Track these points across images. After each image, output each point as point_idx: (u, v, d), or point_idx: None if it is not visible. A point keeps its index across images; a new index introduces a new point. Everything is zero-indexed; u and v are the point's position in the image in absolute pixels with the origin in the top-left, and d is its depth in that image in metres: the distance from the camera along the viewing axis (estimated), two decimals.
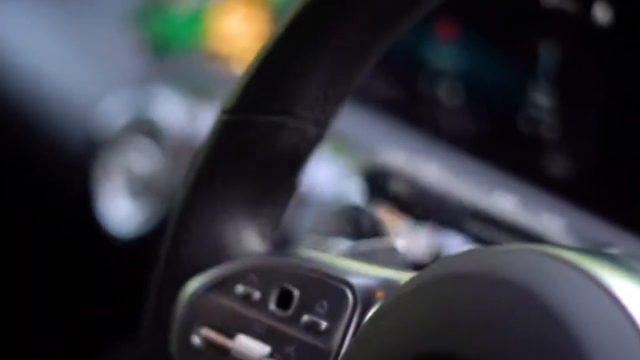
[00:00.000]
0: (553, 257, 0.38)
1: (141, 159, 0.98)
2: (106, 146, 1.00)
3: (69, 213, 1.17)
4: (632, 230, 0.59)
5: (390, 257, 0.51)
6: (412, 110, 0.75)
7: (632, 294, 0.36)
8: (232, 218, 0.50)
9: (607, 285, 0.37)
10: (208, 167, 0.50)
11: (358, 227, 0.72)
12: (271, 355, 0.46)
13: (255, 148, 0.49)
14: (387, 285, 0.45)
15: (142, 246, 1.01)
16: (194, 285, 0.50)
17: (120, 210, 1.00)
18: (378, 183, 0.58)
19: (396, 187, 0.57)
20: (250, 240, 0.50)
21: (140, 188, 0.99)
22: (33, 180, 1.23)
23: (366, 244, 0.56)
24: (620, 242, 0.58)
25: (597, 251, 0.42)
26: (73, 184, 1.08)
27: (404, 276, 0.45)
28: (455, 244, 0.59)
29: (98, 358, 1.33)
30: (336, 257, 0.49)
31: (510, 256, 0.39)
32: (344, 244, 0.73)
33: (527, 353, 0.36)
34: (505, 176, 0.68)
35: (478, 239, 0.55)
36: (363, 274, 0.47)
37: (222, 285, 0.49)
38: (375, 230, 0.69)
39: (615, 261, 0.39)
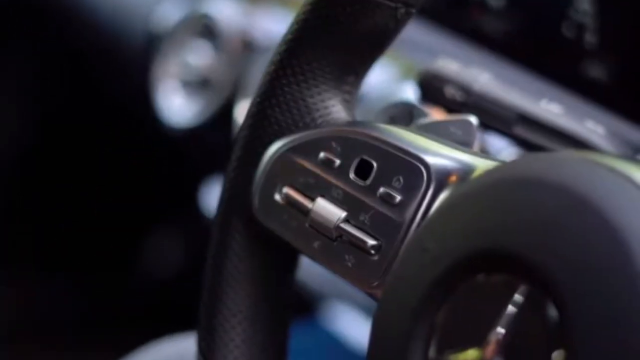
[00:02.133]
0: (605, 166, 0.40)
1: (197, 54, 1.00)
2: (164, 41, 1.02)
3: (129, 105, 1.21)
4: None
5: (466, 131, 0.52)
6: (462, 19, 0.77)
7: None
8: (319, 86, 0.52)
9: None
10: (300, 37, 0.52)
11: (411, 121, 0.74)
12: (347, 220, 0.49)
13: (348, 22, 0.51)
14: (462, 170, 0.47)
15: (195, 137, 1.04)
16: (278, 145, 0.53)
17: (176, 103, 1.03)
18: (431, 88, 0.60)
19: (448, 92, 0.59)
20: (335, 109, 0.53)
21: (196, 82, 1.02)
22: (95, 74, 1.27)
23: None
24: None
25: (623, 155, 0.44)
26: (132, 77, 1.11)
27: (479, 162, 0.47)
28: (502, 145, 0.62)
29: (155, 235, 1.38)
30: (416, 133, 0.50)
31: (569, 164, 0.41)
32: None
33: (579, 252, 0.38)
34: (550, 84, 0.70)
35: (523, 143, 0.58)
36: (440, 153, 0.48)
37: (306, 149, 0.52)
38: None
39: None
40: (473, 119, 0.53)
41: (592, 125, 0.57)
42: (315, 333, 0.61)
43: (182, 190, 1.21)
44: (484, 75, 0.60)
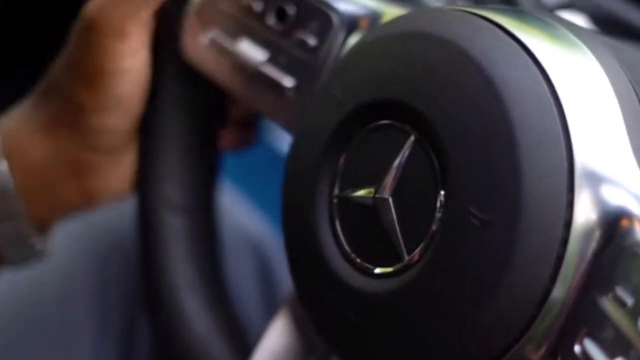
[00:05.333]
0: (470, 14, 0.44)
1: None
2: None
3: None
4: None
5: None
6: None
7: (541, 46, 0.42)
8: None
9: (516, 35, 0.42)
10: None
11: None
12: (268, 61, 0.53)
13: None
14: (370, 16, 0.50)
15: None
16: None
17: None
18: None
19: None
20: None
21: None
22: None
23: None
24: None
25: (512, 10, 0.47)
26: None
27: (386, 9, 0.50)
28: None
29: None
30: None
31: (456, 19, 0.44)
32: None
33: (458, 104, 0.41)
34: None
35: None
36: (352, 1, 0.51)
37: None
38: None
39: (529, 18, 0.44)
40: None
41: None
42: (260, 149, 0.66)
43: None
44: None
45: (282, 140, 0.98)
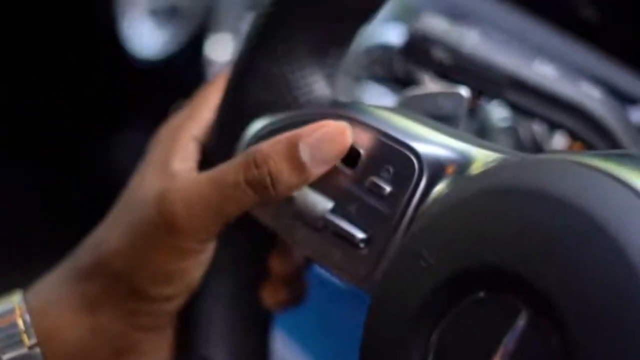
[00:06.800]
0: (588, 166, 0.38)
1: None
2: None
3: (94, 35, 1.16)
4: None
5: (456, 104, 0.49)
6: None
7: None
8: (300, 59, 0.49)
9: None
10: (282, 7, 0.48)
11: (389, 68, 0.70)
12: (333, 210, 0.47)
13: None
14: (459, 161, 0.44)
15: (163, 70, 1.01)
16: (259, 126, 0.50)
17: (144, 32, 0.99)
18: (417, 49, 0.56)
19: (436, 54, 0.56)
20: (318, 85, 0.49)
21: (164, 11, 0.98)
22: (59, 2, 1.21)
23: (422, 89, 0.52)
24: None
25: (628, 155, 0.41)
26: (99, 5, 1.06)
27: (477, 153, 0.44)
28: (495, 112, 0.59)
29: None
30: (407, 118, 0.46)
31: (571, 173, 0.38)
32: (376, 89, 0.72)
33: (584, 276, 0.35)
34: (544, 43, 0.67)
35: (516, 107, 0.55)
36: (433, 141, 0.45)
37: (287, 131, 0.47)
38: (409, 77, 0.67)
39: None
40: (464, 91, 0.49)
41: (587, 88, 0.54)
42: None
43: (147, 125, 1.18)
44: (473, 35, 0.56)
45: None
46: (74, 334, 0.50)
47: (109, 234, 0.51)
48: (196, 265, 0.49)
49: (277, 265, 0.56)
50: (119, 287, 0.50)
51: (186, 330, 0.53)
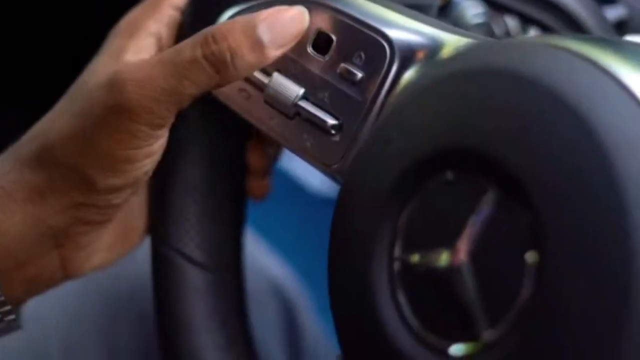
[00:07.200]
0: (562, 48, 0.38)
1: None
2: None
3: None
4: None
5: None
6: None
7: (637, 80, 0.36)
8: None
9: (614, 73, 0.36)
10: None
11: None
12: (305, 97, 0.47)
13: None
14: (430, 46, 0.44)
15: None
16: (231, 12, 0.49)
17: None
18: None
19: None
20: None
21: None
22: None
23: None
24: None
25: (603, 39, 0.41)
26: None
27: (448, 38, 0.44)
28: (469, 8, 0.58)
29: None
30: (377, 4, 0.46)
31: (544, 53, 0.38)
32: None
33: (553, 154, 0.35)
34: None
35: (491, 2, 0.54)
36: (405, 26, 0.45)
37: None
38: None
39: (621, 48, 0.39)
40: None
41: None
42: (275, 177, 0.59)
43: None
44: None
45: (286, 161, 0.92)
46: (14, 225, 0.49)
47: (55, 122, 0.49)
48: (146, 154, 0.48)
49: (254, 156, 0.56)
50: (65, 177, 0.48)
51: (152, 220, 0.53)
